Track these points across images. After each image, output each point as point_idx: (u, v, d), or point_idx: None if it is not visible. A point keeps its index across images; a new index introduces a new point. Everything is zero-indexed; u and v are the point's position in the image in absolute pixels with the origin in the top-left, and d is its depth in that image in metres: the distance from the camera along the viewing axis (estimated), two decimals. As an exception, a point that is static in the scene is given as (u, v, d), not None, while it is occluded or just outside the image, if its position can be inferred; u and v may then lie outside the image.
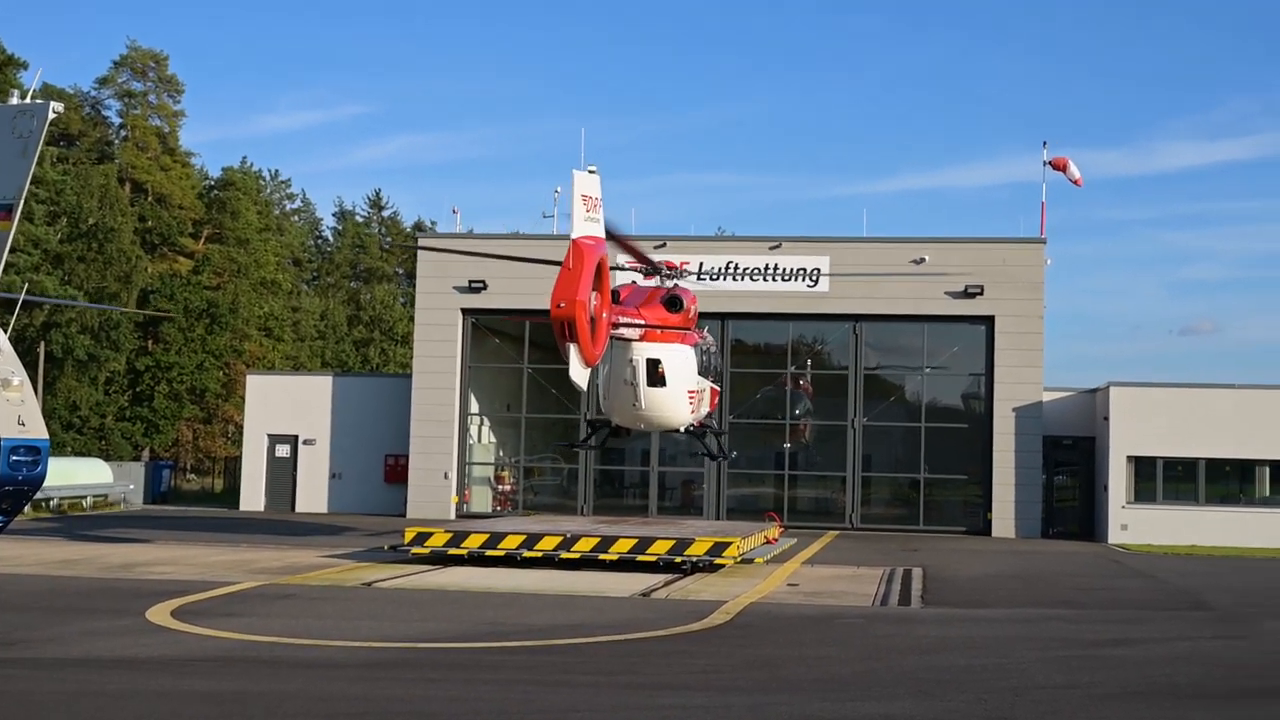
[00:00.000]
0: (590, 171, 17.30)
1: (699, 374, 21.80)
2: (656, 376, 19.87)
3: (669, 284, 22.50)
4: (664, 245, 45.95)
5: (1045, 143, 46.54)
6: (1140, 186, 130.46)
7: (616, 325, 19.56)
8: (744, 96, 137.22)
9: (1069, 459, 46.43)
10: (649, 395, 20.08)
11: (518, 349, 47.99)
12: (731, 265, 45.69)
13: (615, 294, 20.04)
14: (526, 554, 28.58)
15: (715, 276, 45.19)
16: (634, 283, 21.59)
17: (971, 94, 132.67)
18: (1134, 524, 42.49)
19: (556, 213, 48.85)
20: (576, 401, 46.74)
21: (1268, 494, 43.86)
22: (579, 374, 18.15)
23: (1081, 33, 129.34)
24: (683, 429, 22.45)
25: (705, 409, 22.74)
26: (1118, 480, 43.00)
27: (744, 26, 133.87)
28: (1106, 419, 43.48)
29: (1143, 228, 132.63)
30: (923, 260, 44.47)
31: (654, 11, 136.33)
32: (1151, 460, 43.24)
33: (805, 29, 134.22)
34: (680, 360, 20.67)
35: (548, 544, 28.60)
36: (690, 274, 22.14)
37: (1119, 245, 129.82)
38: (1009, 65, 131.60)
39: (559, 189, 49.45)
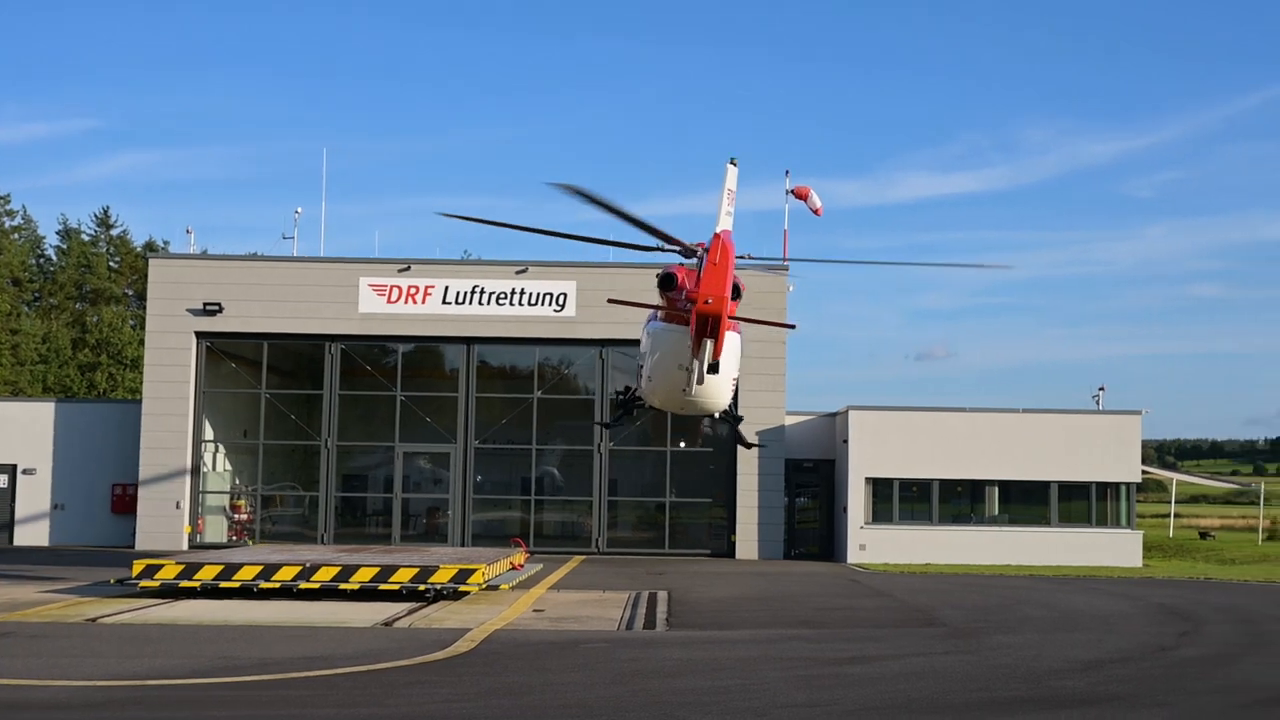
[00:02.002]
0: (732, 163, 16.61)
1: (740, 360, 21.63)
2: (714, 363, 19.20)
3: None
4: (408, 268, 45.58)
5: (788, 171, 47.83)
6: (878, 217, 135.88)
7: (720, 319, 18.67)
8: (490, 120, 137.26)
9: (810, 481, 47.77)
10: (703, 383, 19.53)
11: (255, 373, 46.77)
12: (478, 289, 45.56)
13: (672, 278, 19.35)
14: (263, 585, 27.87)
15: (460, 300, 45.00)
16: (681, 265, 20.10)
17: (715, 122, 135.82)
18: (872, 544, 44.02)
19: (296, 234, 47.85)
20: (318, 429, 45.90)
21: (996, 513, 46.06)
22: (698, 373, 17.34)
23: (822, 67, 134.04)
24: (717, 415, 22.12)
25: (732, 393, 22.47)
26: (856, 501, 44.47)
27: (489, 50, 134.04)
28: (846, 442, 44.95)
29: (881, 256, 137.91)
30: (667, 285, 45.19)
31: (397, 35, 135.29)
32: (889, 481, 44.89)
33: (550, 53, 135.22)
34: (732, 347, 20.23)
35: (286, 574, 27.95)
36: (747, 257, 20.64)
37: (859, 274, 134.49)
38: (755, 95, 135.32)
39: (299, 210, 48.53)
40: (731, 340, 19.76)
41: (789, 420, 46.07)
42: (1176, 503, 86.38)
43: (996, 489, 46.00)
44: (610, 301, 22.88)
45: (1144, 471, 51.84)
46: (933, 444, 44.71)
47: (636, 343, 45.86)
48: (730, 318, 19.12)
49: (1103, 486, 45.21)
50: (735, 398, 23.74)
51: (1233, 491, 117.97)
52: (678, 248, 19.67)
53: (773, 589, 33.57)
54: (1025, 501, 45.98)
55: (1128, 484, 45.46)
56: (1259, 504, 73.83)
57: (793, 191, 47.46)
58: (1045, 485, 45.02)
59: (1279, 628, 25.68)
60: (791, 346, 46.32)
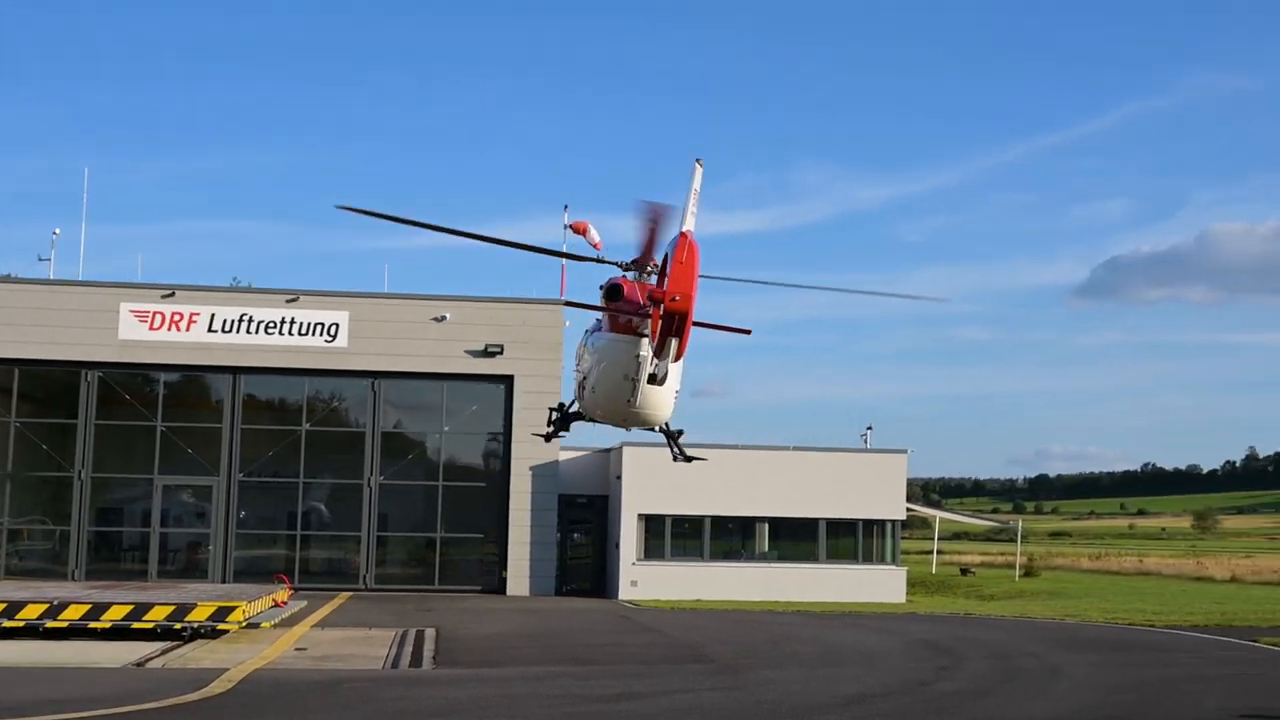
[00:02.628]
0: (698, 163, 16.05)
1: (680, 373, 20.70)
2: (659, 374, 18.40)
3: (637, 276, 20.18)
4: (173, 294, 44.27)
5: (566, 206, 48.08)
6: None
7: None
8: (261, 142, 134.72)
9: (584, 517, 47.91)
10: (646, 393, 18.75)
11: (4, 402, 44.66)
12: (246, 317, 44.50)
13: (619, 289, 18.38)
14: (6, 624, 26.61)
15: (228, 329, 43.80)
16: (624, 276, 19.16)
17: (493, 157, 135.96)
18: (644, 580, 44.30)
19: (54, 255, 46.02)
20: (71, 460, 44.11)
21: (766, 549, 46.89)
22: (658, 365, 16.75)
23: (601, 100, 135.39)
24: (657, 428, 21.40)
25: (672, 408, 21.35)
26: (628, 538, 44.73)
27: (257, 70, 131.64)
28: (619, 478, 45.20)
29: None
30: (444, 318, 44.92)
31: (162, 48, 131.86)
32: (661, 518, 45.28)
33: (326, 79, 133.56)
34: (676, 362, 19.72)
35: (30, 612, 26.75)
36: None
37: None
38: (531, 130, 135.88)
39: (57, 231, 46.75)
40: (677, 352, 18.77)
41: (563, 455, 46.08)
42: (940, 539, 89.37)
43: (767, 526, 46.85)
44: (567, 304, 21.87)
45: (909, 509, 53.61)
46: (705, 481, 45.13)
47: (411, 375, 45.83)
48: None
49: (869, 524, 46.43)
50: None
51: (993, 529, 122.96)
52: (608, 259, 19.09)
53: (542, 625, 33.48)
54: (795, 538, 46.91)
55: (893, 521, 46.81)
56: (1017, 541, 76.93)
57: (571, 226, 47.57)
58: (814, 522, 46.01)
59: (1032, 663, 26.65)
60: (568, 381, 46.45)
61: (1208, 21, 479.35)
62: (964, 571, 66.92)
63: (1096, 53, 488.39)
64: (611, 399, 19.05)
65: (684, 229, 15.05)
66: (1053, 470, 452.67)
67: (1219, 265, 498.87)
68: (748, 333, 21.46)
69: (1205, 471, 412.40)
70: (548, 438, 22.72)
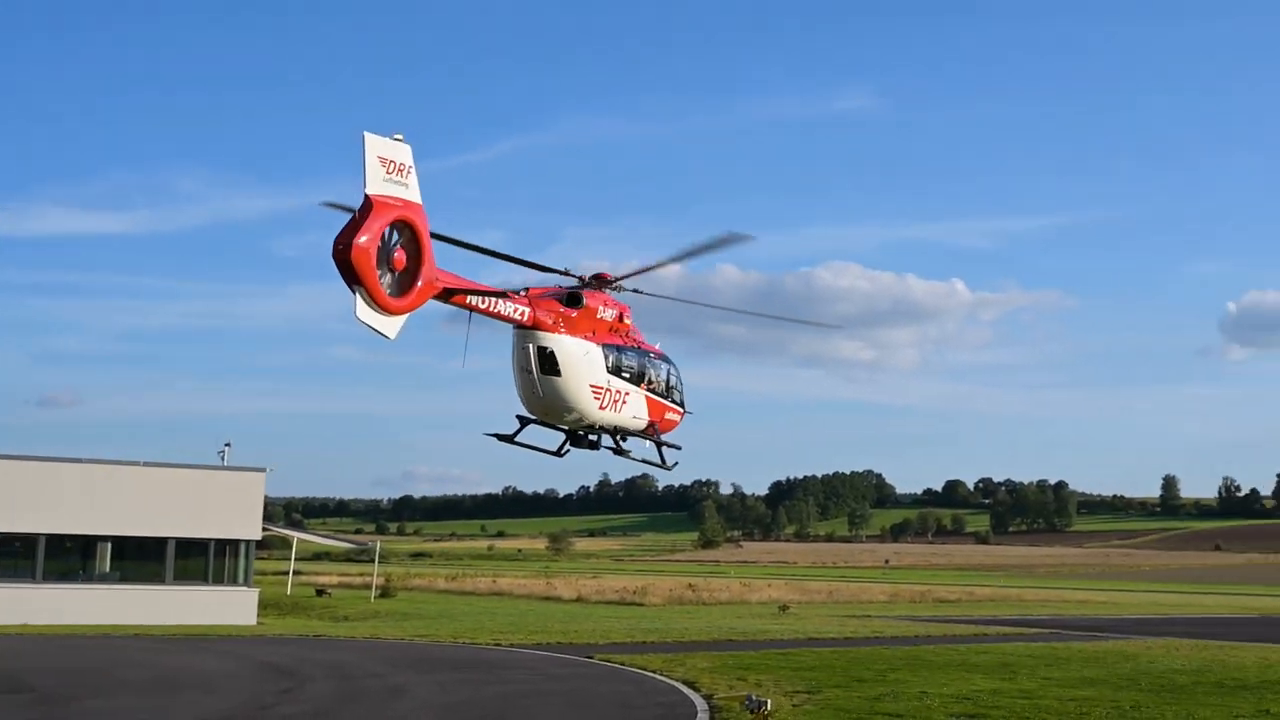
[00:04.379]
0: (396, 139, 16.57)
1: (614, 374, 21.30)
2: (549, 364, 19.84)
3: (596, 290, 21.35)
4: None
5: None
6: (8, 249, 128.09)
7: (463, 293, 18.27)
8: None
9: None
10: (544, 383, 19.96)
11: None
12: None
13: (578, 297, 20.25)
14: None
15: None
16: (559, 286, 20.60)
17: None
18: (-36, 605, 40.83)
19: None
20: None
21: (109, 570, 44.55)
22: (368, 316, 16.42)
23: None
24: (601, 425, 21.55)
25: (634, 412, 22.02)
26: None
27: None
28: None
29: (11, 293, 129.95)
30: None
31: None
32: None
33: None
34: (578, 353, 20.34)
35: None
36: (623, 286, 21.23)
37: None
38: None
39: None
40: (579, 346, 20.28)
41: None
42: (300, 560, 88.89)
43: (110, 545, 44.54)
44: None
45: (267, 529, 52.80)
46: (41, 497, 42.42)
47: None
48: (578, 323, 20.27)
49: (222, 544, 45.26)
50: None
51: (353, 550, 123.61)
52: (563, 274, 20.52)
53: None
54: (141, 558, 44.92)
55: (248, 541, 45.89)
56: (374, 562, 77.83)
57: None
58: (163, 542, 44.24)
59: (375, 683, 26.90)
60: None
61: (582, 61, 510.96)
62: (320, 593, 66.79)
63: (490, 84, 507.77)
64: (524, 392, 20.18)
65: (367, 191, 15.96)
66: (418, 492, 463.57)
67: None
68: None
69: (562, 495, 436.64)
70: (505, 439, 21.59)
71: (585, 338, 20.50)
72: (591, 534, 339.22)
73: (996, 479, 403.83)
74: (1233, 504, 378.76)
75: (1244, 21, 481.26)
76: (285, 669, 29.36)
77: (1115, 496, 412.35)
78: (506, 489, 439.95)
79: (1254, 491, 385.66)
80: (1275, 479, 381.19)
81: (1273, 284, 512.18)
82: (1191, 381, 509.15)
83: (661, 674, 29.30)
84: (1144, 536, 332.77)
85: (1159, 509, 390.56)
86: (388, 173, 16.30)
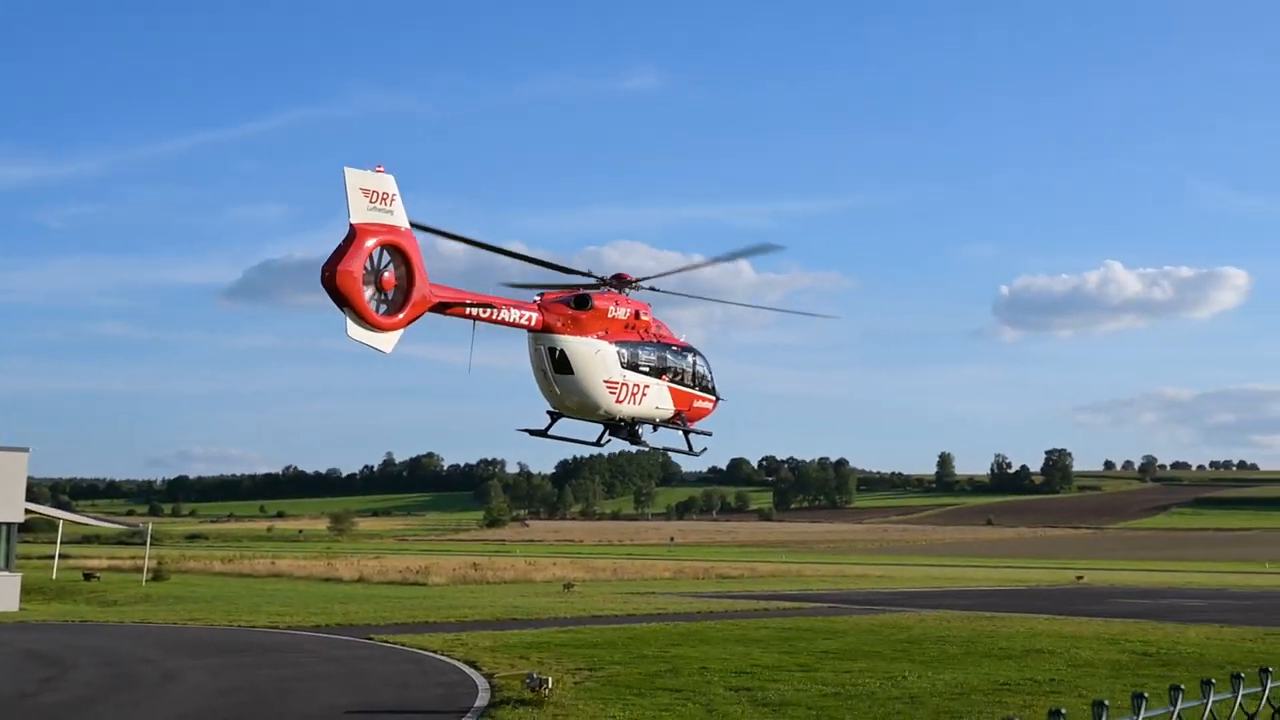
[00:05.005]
0: (378, 170, 17.97)
1: (630, 369, 22.42)
2: (561, 364, 21.23)
3: (617, 290, 22.85)
4: None
5: None
6: None
7: (460, 305, 19.54)
8: None
9: None
10: (560, 381, 21.40)
11: None
12: None
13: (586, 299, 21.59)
14: None
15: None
16: (584, 288, 22.12)
17: None
18: None
19: None
20: None
21: None
22: (360, 334, 17.74)
23: None
24: (624, 417, 22.69)
25: (656, 404, 23.21)
26: None
27: None
28: None
29: None
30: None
31: None
32: None
33: None
34: (587, 351, 21.56)
35: None
36: (644, 285, 23.03)
37: None
38: None
39: None
40: (589, 344, 21.49)
41: None
42: (68, 543, 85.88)
43: None
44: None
45: (30, 511, 50.79)
46: None
47: None
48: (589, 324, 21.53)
49: (-19, 526, 43.44)
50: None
51: (124, 532, 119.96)
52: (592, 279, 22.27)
53: None
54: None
55: (9, 524, 44.17)
56: (146, 545, 75.70)
57: None
58: (-84, 525, 42.28)
59: (147, 669, 26.23)
60: None
61: (371, 37, 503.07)
62: (88, 577, 64.70)
63: (280, 54, 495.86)
64: (543, 389, 21.61)
65: (351, 221, 17.34)
66: (194, 472, 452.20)
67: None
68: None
69: (345, 475, 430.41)
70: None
71: (597, 337, 21.74)
72: (375, 514, 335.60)
73: (780, 457, 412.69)
74: (1004, 480, 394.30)
75: (1014, 15, 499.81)
76: (49, 656, 28.42)
77: (893, 474, 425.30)
78: (287, 469, 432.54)
79: (1024, 468, 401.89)
80: (1043, 456, 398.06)
81: (1043, 268, 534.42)
82: (966, 362, 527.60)
83: (442, 654, 29.24)
84: (921, 512, 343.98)
85: (935, 486, 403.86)
86: (371, 202, 17.60)
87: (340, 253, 17.40)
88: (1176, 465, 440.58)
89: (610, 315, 21.93)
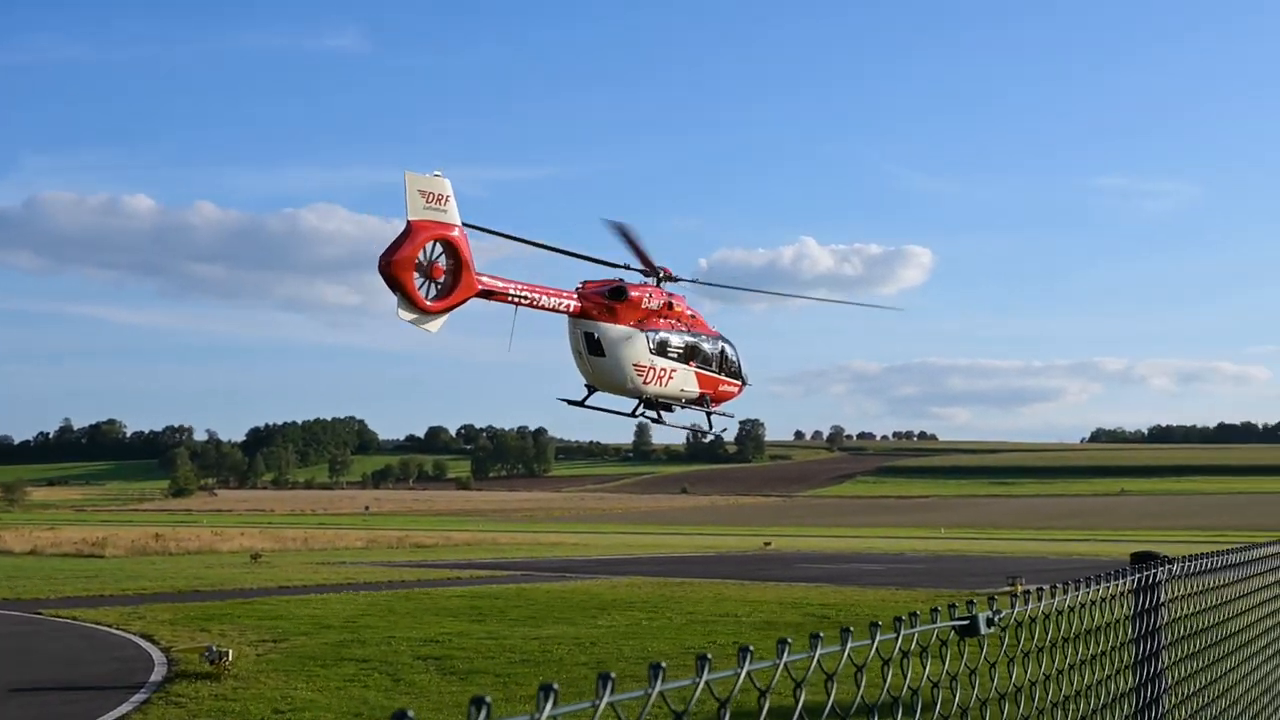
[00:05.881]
0: (436, 175, 20.08)
1: (658, 354, 24.48)
2: (595, 347, 23.39)
3: (655, 283, 24.97)
4: None
5: None
6: None
7: (503, 293, 21.60)
8: None
9: None
10: (593, 362, 23.51)
11: None
12: None
13: (622, 290, 23.84)
14: None
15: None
16: (620, 280, 24.16)
17: None
18: None
19: None
20: None
21: None
22: (408, 315, 19.93)
23: None
24: (651, 396, 24.76)
25: (681, 386, 25.34)
26: None
27: None
28: None
29: None
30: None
31: None
32: None
33: None
34: (618, 336, 23.66)
35: None
36: (684, 280, 25.64)
37: None
38: None
39: None
40: (620, 330, 23.62)
41: None
42: None
43: None
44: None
45: None
46: None
47: None
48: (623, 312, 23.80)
49: None
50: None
51: None
52: (643, 267, 24.56)
53: None
54: None
55: None
56: None
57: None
58: None
59: None
60: None
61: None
62: None
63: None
64: (580, 367, 23.84)
65: (409, 218, 19.59)
66: None
67: (47, 233, 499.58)
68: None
69: (17, 443, 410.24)
70: (575, 403, 25.06)
71: (631, 324, 23.94)
72: (50, 483, 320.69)
73: (479, 425, 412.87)
74: (699, 450, 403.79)
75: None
76: None
77: (591, 443, 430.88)
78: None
79: (718, 438, 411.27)
80: (737, 426, 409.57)
81: (740, 243, 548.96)
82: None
83: (117, 628, 28.27)
84: (618, 481, 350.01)
85: (632, 455, 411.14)
86: (427, 202, 19.84)
87: (395, 245, 19.71)
88: (863, 435, 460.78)
89: (644, 305, 24.21)
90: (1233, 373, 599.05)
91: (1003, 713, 4.18)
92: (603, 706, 2.25)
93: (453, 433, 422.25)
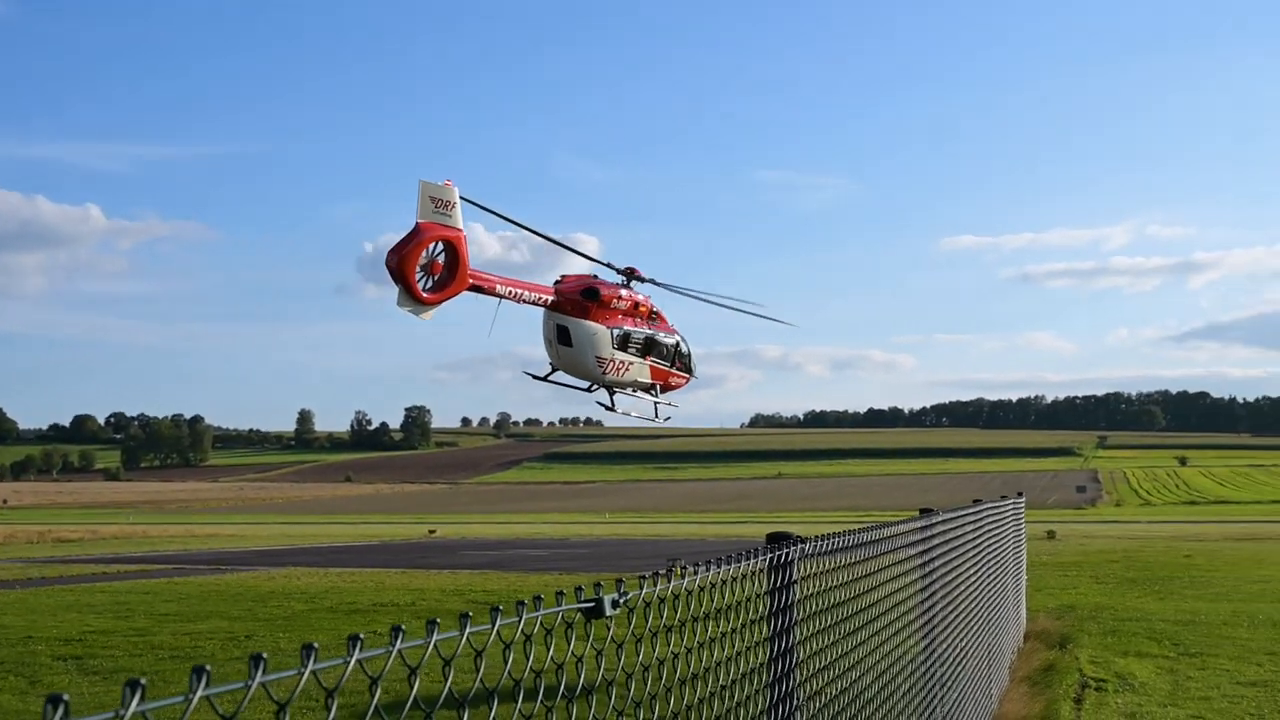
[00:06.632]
0: (446, 184, 22.24)
1: (620, 349, 26.44)
2: (565, 338, 25.59)
3: (625, 282, 27.08)
4: None
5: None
6: None
7: (490, 288, 23.54)
8: None
9: None
10: (561, 350, 25.80)
11: None
12: None
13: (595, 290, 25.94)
14: None
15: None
16: (595, 275, 26.61)
17: None
18: None
19: None
20: None
21: None
22: (405, 305, 21.80)
23: None
24: (608, 384, 26.80)
25: (636, 377, 27.24)
26: None
27: None
28: None
29: None
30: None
31: None
32: None
33: None
34: (586, 332, 25.81)
35: None
36: (656, 283, 27.59)
37: None
38: None
39: None
40: (587, 326, 25.59)
41: None
42: None
43: None
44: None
45: None
46: None
47: None
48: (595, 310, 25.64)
49: None
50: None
51: None
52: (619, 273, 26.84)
53: None
54: None
55: None
56: None
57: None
58: None
59: None
60: None
61: None
62: None
63: None
64: (550, 353, 25.89)
65: (417, 220, 21.67)
66: None
67: None
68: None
69: None
70: (542, 379, 27.01)
71: (598, 321, 25.96)
72: None
73: (130, 413, 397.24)
74: (364, 437, 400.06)
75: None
76: None
77: (252, 430, 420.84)
78: None
79: (384, 425, 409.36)
80: (403, 414, 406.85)
81: (405, 226, 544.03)
82: (330, 318, 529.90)
83: None
84: (279, 470, 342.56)
85: (294, 443, 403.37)
86: (435, 207, 21.83)
87: (404, 243, 21.54)
88: (529, 422, 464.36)
89: (612, 306, 26.39)
90: (882, 360, 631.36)
91: (629, 691, 4.32)
92: (254, 687, 2.24)
93: (101, 421, 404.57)
